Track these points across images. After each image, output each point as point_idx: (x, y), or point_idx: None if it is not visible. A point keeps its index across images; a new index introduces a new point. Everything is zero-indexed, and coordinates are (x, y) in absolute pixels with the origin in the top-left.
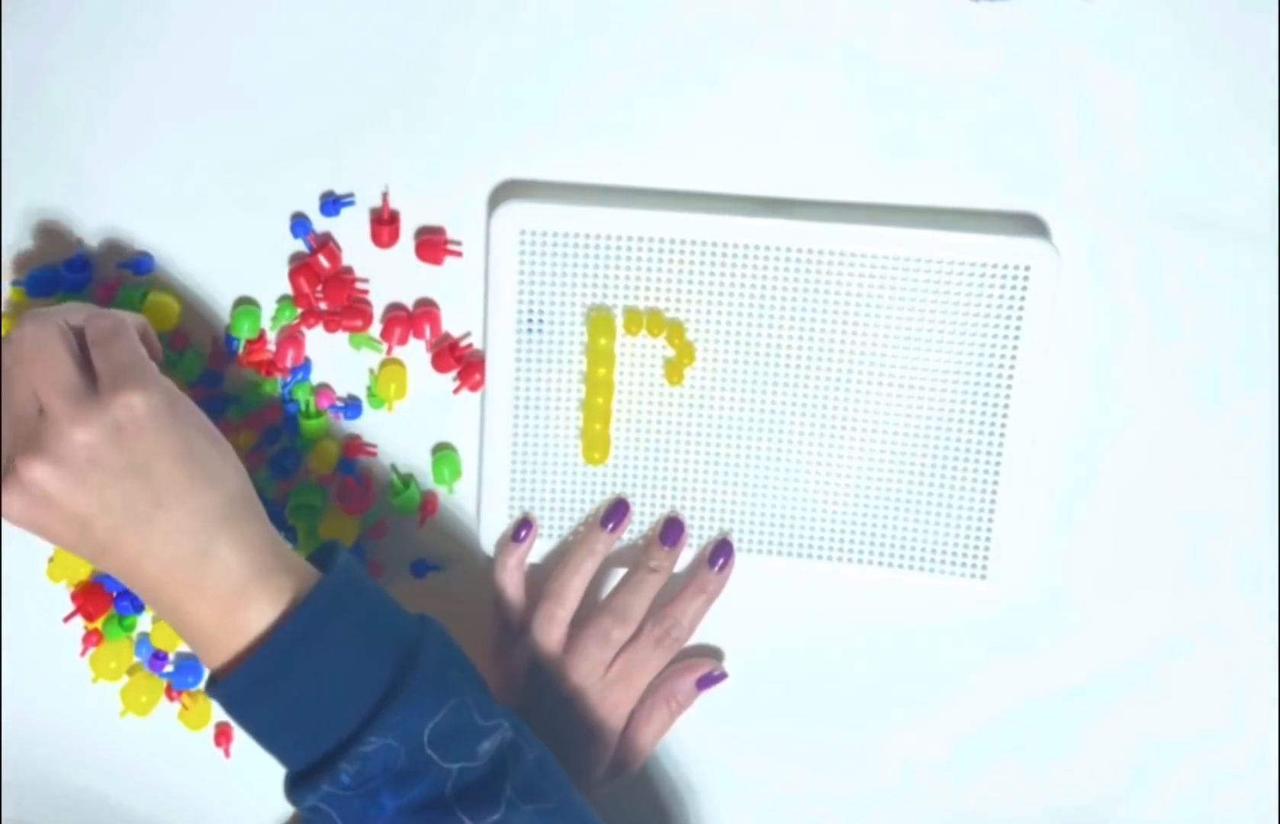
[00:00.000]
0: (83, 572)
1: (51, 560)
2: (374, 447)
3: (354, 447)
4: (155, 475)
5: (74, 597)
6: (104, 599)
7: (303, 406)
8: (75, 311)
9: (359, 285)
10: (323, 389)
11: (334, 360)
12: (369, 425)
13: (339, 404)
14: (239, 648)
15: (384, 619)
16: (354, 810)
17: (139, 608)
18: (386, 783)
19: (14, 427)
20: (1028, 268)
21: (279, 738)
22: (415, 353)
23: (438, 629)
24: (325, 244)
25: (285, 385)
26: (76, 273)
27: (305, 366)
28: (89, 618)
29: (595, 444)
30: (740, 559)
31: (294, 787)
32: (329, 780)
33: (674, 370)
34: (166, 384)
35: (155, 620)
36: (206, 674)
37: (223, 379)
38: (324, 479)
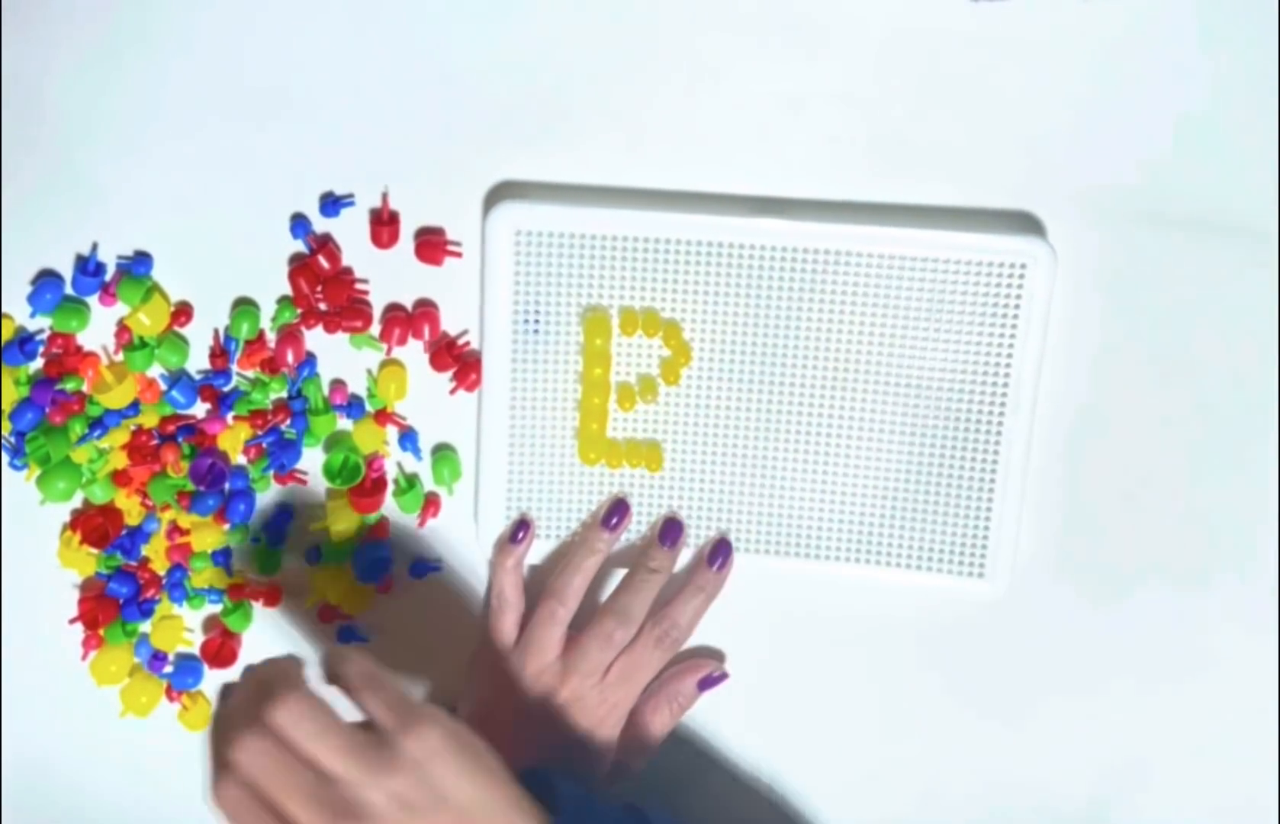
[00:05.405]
0: (90, 564)
1: (61, 542)
2: None
3: None
4: (454, 798)
5: (81, 603)
6: (110, 607)
7: (311, 404)
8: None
9: (359, 285)
10: (336, 386)
11: (334, 361)
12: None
13: (340, 404)
14: None
15: None
16: None
17: (147, 613)
18: None
19: (306, 805)
20: (1024, 266)
21: None
22: (415, 353)
23: None
24: (325, 244)
25: (293, 383)
26: (90, 276)
27: (311, 363)
28: (92, 625)
29: (591, 444)
30: (739, 559)
31: None
32: None
33: (670, 370)
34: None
35: (155, 622)
36: None
37: (229, 378)
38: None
